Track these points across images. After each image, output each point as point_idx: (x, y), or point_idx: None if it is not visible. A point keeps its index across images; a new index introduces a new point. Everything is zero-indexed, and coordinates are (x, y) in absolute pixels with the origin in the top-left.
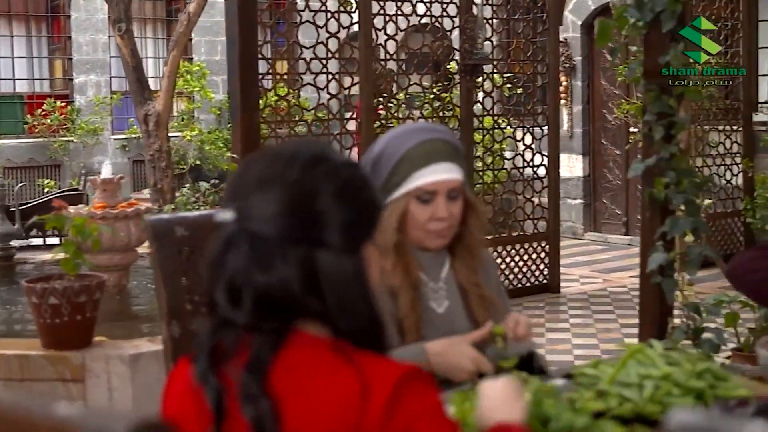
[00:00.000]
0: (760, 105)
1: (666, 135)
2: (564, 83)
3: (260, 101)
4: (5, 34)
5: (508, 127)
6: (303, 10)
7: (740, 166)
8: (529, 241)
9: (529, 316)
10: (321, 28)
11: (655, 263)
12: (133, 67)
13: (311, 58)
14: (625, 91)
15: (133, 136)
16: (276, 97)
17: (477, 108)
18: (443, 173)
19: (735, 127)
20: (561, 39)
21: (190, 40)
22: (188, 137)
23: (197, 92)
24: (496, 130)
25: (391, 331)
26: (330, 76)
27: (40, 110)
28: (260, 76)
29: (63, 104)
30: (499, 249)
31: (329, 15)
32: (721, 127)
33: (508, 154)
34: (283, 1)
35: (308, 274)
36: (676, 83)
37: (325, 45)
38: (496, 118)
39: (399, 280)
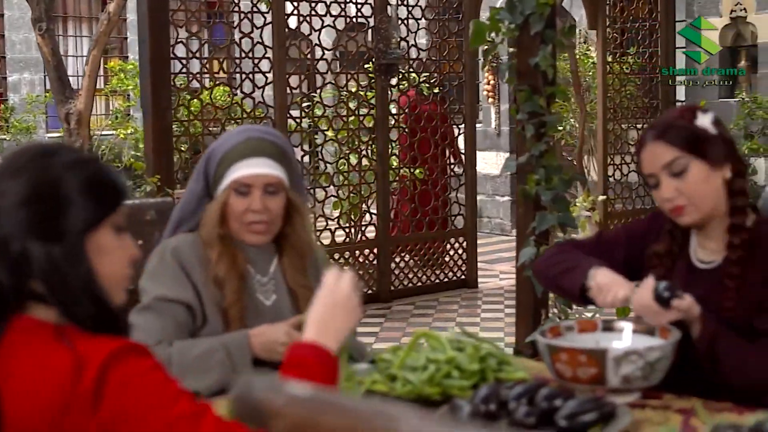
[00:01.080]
0: (678, 104)
1: (536, 133)
2: (491, 82)
3: (174, 100)
4: None
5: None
6: (216, 10)
7: None
8: (447, 238)
9: (444, 310)
10: (235, 27)
11: (525, 257)
12: (54, 66)
13: (224, 58)
14: None
15: None
16: (189, 96)
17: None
18: (259, 167)
19: None
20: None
21: (125, 38)
22: (123, 135)
23: (132, 90)
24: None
25: (216, 319)
26: (243, 75)
27: None
28: (173, 76)
29: None
30: (417, 246)
31: (242, 15)
32: (639, 125)
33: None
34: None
35: (21, 263)
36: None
37: (238, 44)
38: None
39: (224, 270)
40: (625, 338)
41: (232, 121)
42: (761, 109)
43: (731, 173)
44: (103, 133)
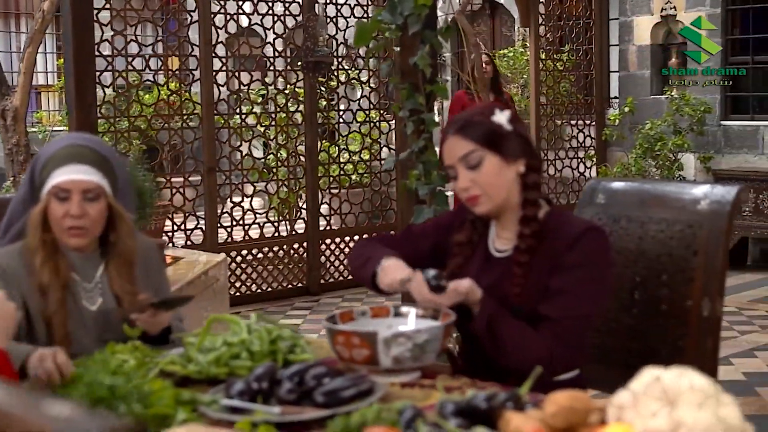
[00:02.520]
0: (611, 100)
1: (416, 130)
2: None
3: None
4: None
5: (354, 122)
6: (141, 9)
7: (594, 159)
8: (377, 231)
9: (371, 303)
10: (160, 26)
11: None
12: None
13: (150, 55)
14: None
15: None
16: (115, 93)
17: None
18: (77, 174)
19: (588, 122)
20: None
21: None
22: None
23: None
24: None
25: (41, 327)
26: (172, 74)
27: None
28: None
29: None
30: (347, 239)
31: (168, 15)
32: (574, 122)
33: (355, 149)
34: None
35: None
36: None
37: (164, 42)
38: (341, 113)
39: (48, 277)
40: (410, 323)
41: (160, 119)
42: (688, 105)
43: (525, 168)
44: (55, 128)
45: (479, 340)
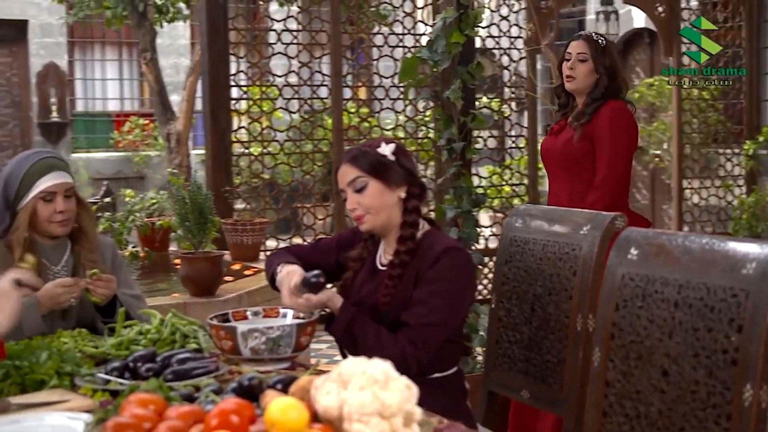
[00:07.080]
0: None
1: (450, 158)
2: None
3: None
4: (99, 58)
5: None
6: (275, 43)
7: (743, 188)
8: None
9: None
10: (293, 58)
11: None
12: (157, 92)
13: (284, 85)
14: None
15: None
16: (250, 120)
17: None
18: (59, 178)
19: (738, 151)
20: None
21: None
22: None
23: None
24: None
25: None
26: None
27: (127, 126)
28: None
29: (147, 122)
30: None
31: (301, 47)
32: (721, 150)
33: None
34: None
35: None
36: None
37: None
38: None
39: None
40: (287, 322)
41: (290, 142)
42: None
43: (406, 194)
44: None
45: (338, 341)
